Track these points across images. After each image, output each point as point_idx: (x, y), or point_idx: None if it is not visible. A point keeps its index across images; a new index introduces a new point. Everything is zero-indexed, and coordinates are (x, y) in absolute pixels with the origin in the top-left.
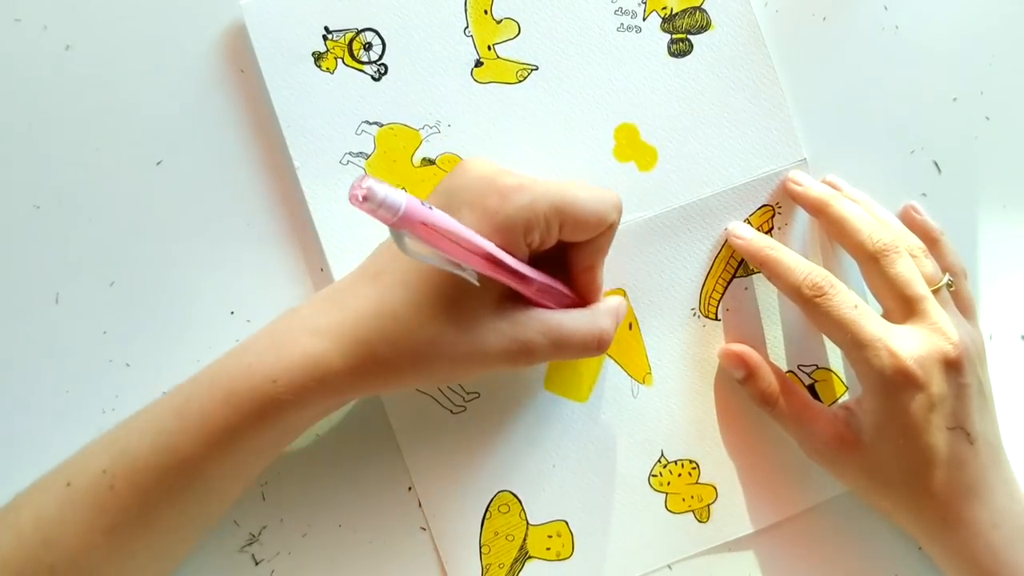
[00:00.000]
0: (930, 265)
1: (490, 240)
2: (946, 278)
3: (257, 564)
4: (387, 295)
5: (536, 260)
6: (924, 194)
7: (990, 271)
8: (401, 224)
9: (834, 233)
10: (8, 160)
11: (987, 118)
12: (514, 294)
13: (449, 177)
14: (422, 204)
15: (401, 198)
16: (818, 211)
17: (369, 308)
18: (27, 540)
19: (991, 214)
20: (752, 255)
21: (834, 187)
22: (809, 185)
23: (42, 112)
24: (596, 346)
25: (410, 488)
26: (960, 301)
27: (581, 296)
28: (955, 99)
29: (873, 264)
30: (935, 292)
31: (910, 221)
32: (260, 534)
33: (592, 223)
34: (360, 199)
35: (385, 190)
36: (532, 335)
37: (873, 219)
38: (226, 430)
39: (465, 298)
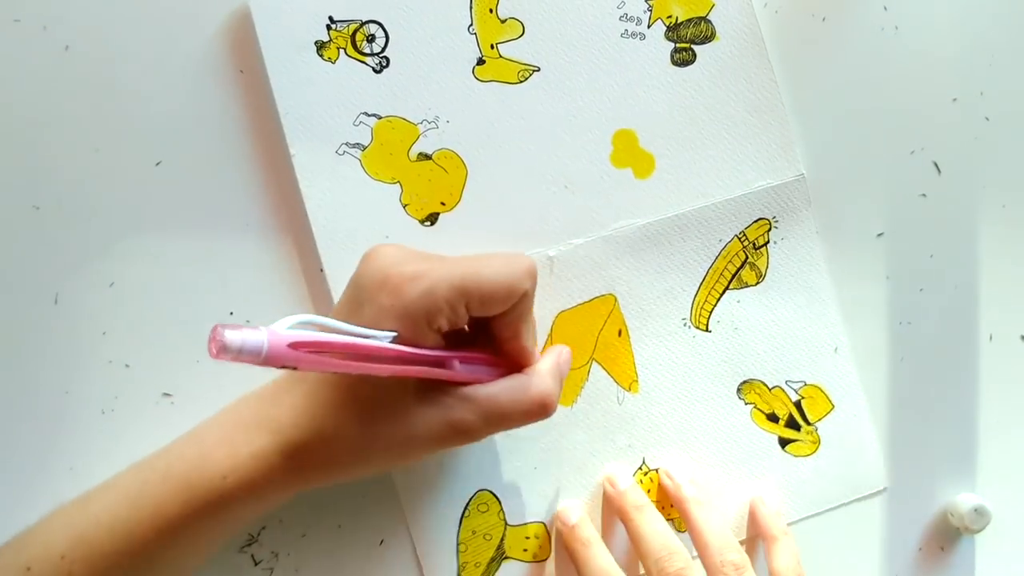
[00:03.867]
0: None
1: (395, 332)
2: None
3: (257, 564)
4: (312, 397)
5: (456, 333)
6: (924, 194)
7: (990, 271)
8: (269, 362)
9: (632, 548)
10: (8, 160)
11: (987, 118)
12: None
13: (358, 266)
14: (289, 331)
15: (260, 340)
16: (623, 521)
17: (300, 410)
18: None
19: (991, 214)
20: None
21: (669, 478)
22: (622, 490)
23: (42, 112)
24: (539, 411)
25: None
26: None
27: (515, 364)
28: (955, 99)
29: None
30: None
31: (754, 515)
32: (260, 534)
33: (501, 296)
34: (215, 352)
35: (241, 337)
36: (464, 415)
37: (668, 538)
38: (179, 520)
39: (383, 392)
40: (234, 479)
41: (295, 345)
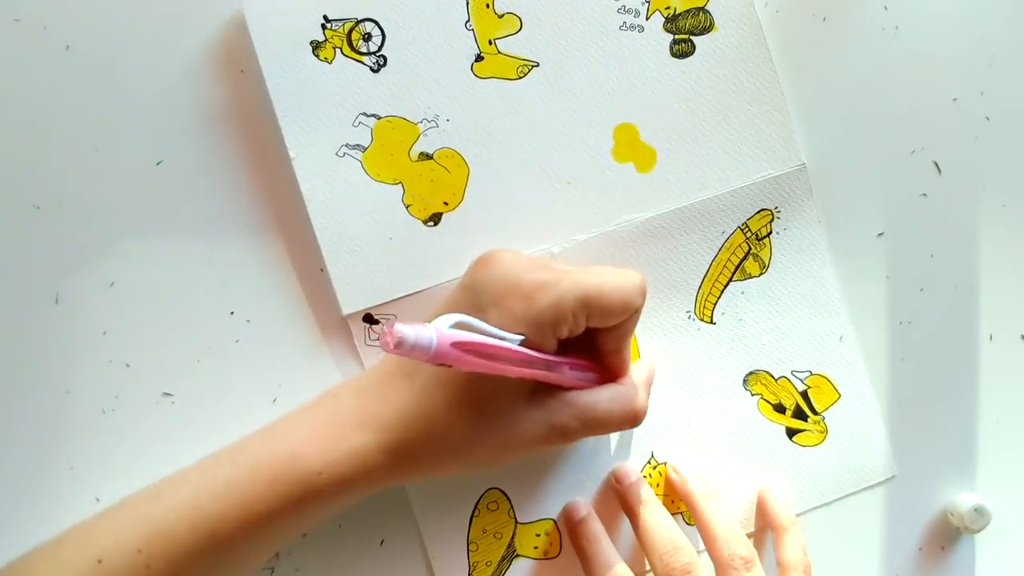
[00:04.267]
0: None
1: (524, 336)
2: None
3: None
4: (425, 395)
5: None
6: (924, 194)
7: (990, 271)
8: (436, 359)
9: (638, 542)
10: (8, 160)
11: (987, 118)
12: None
13: (473, 270)
14: (450, 330)
15: (430, 337)
16: (630, 517)
17: (409, 407)
18: None
19: (991, 214)
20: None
21: (675, 473)
22: (628, 485)
23: (42, 112)
24: (633, 421)
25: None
26: None
27: (611, 373)
28: (955, 99)
29: None
30: None
31: (762, 505)
32: None
33: (618, 311)
34: (392, 347)
35: (415, 333)
36: (567, 420)
37: (673, 533)
38: (266, 516)
39: (500, 392)
40: (328, 476)
41: (457, 344)
